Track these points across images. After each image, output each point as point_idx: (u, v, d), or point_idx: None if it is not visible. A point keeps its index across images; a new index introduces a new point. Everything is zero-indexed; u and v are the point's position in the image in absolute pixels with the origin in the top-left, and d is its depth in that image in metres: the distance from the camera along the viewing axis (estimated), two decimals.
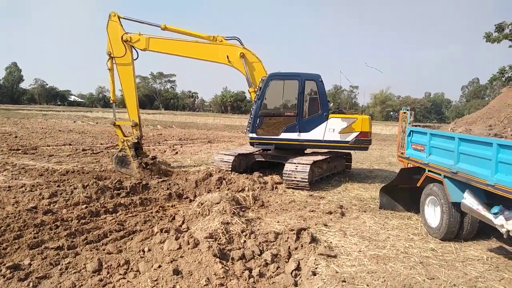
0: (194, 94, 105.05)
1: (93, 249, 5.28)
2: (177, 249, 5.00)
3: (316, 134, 10.14)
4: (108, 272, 4.59)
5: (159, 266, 4.61)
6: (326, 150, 11.10)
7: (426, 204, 6.42)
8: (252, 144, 10.54)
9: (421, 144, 6.67)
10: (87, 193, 7.62)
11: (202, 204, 6.66)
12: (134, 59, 10.72)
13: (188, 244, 5.01)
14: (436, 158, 6.16)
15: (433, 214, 6.20)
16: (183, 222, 6.27)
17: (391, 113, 77.41)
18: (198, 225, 5.84)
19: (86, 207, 6.94)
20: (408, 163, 7.23)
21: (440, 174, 5.95)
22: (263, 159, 11.11)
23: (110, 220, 6.50)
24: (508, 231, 4.61)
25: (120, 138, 10.96)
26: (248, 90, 11.24)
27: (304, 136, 10.16)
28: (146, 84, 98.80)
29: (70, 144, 16.90)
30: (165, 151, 16.01)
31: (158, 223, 6.35)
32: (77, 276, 4.45)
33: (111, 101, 11.37)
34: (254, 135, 10.24)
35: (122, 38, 10.42)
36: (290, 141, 10.22)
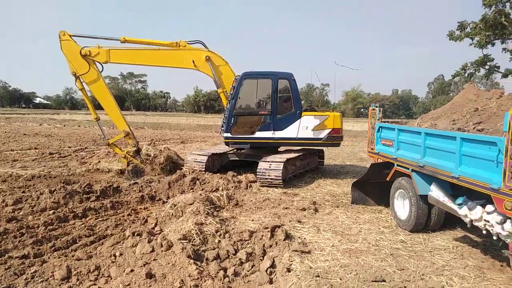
0: (166, 94, 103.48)
1: (61, 256, 5.09)
2: (150, 252, 4.90)
3: (290, 132, 10.26)
4: (77, 279, 4.45)
5: (132, 270, 4.51)
6: (299, 148, 11.24)
7: (395, 197, 6.61)
8: (227, 143, 10.50)
9: (390, 139, 6.86)
10: (54, 198, 7.34)
11: (175, 205, 6.57)
12: (100, 72, 10.54)
13: (162, 246, 4.93)
14: (404, 152, 6.35)
15: (402, 207, 6.39)
16: (156, 225, 6.16)
17: (362, 109, 79.22)
18: (171, 227, 5.75)
19: (54, 213, 6.68)
20: (378, 158, 7.42)
21: (408, 168, 6.14)
22: (237, 158, 11.10)
23: (79, 225, 6.29)
24: (471, 221, 4.81)
25: (120, 154, 10.91)
26: (218, 91, 11.20)
27: (278, 134, 10.25)
28: (116, 85, 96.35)
29: (36, 148, 16.23)
30: None
31: (130, 227, 6.20)
32: (44, 285, 4.29)
33: (94, 119, 11.15)
34: (229, 134, 10.20)
35: (81, 53, 10.17)
36: (265, 140, 10.28)
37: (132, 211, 7.34)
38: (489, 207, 4.51)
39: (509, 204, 4.02)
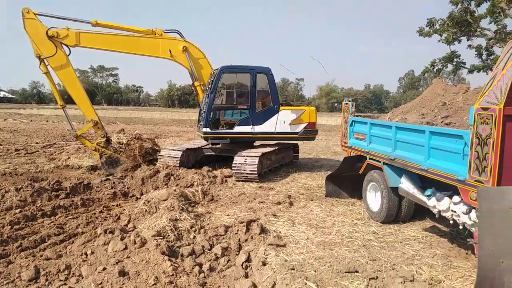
0: (139, 88, 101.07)
1: (29, 256, 4.91)
2: (123, 249, 4.81)
3: (268, 126, 10.34)
4: (46, 279, 4.30)
5: (104, 269, 4.40)
6: (274, 142, 11.29)
7: (367, 190, 6.76)
8: (206, 139, 10.32)
9: (362, 133, 6.99)
10: (21, 196, 7.05)
11: (149, 201, 6.47)
12: (67, 55, 9.85)
13: (135, 243, 4.84)
14: (376, 146, 6.49)
15: (374, 199, 6.55)
16: (129, 221, 6.04)
17: (336, 104, 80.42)
18: (145, 223, 5.65)
19: (21, 211, 6.42)
20: (351, 152, 7.55)
21: (379, 161, 6.29)
22: (212, 153, 11.02)
23: (48, 224, 6.08)
24: (439, 211, 5.00)
25: (90, 147, 10.32)
26: (194, 85, 11.04)
27: (257, 129, 10.29)
28: (86, 79, 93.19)
29: (0, 144, 15.51)
30: None
31: (102, 224, 6.05)
32: (10, 287, 4.11)
33: (60, 106, 10.48)
34: (207, 129, 10.04)
35: (47, 34, 9.42)
36: (244, 134, 10.27)
37: (104, 208, 7.16)
38: (456, 198, 4.70)
39: (474, 194, 4.19)
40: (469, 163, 4.23)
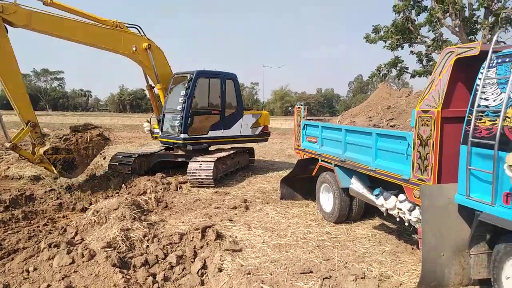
0: (87, 93, 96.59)
1: None
2: (70, 263, 4.54)
3: (235, 130, 10.84)
4: None
5: (48, 286, 4.13)
6: (229, 146, 11.29)
7: (320, 191, 6.94)
8: (184, 145, 10.02)
9: (314, 136, 7.18)
10: None
11: (98, 211, 6.17)
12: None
13: (83, 256, 4.58)
14: (327, 148, 6.69)
15: (327, 200, 6.73)
16: (76, 233, 5.72)
17: (290, 108, 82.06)
18: (94, 235, 5.38)
19: None
20: (304, 155, 7.72)
21: (331, 163, 6.49)
22: (166, 159, 10.77)
23: None
24: (387, 210, 5.25)
25: (33, 160, 8.10)
26: (151, 87, 10.71)
27: (226, 132, 10.64)
28: (28, 83, 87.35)
29: None
30: None
31: (46, 238, 5.66)
32: None
33: None
34: (186, 135, 9.78)
35: None
36: (217, 139, 10.53)
37: (49, 221, 6.70)
38: (401, 196, 4.96)
39: (417, 192, 4.45)
40: (412, 163, 4.48)
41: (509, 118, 3.37)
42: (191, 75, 9.99)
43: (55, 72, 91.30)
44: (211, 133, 10.35)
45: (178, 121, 9.80)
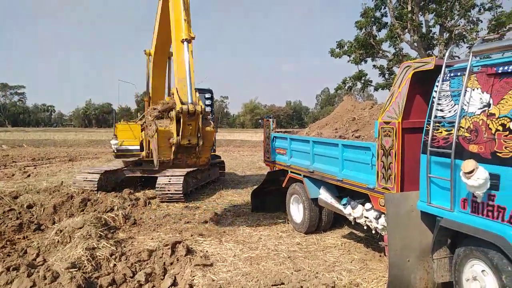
0: (50, 108, 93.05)
1: None
2: (31, 287, 4.30)
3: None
4: None
5: None
6: None
7: (291, 202, 7.02)
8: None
9: (283, 148, 7.29)
10: None
11: (61, 231, 5.92)
12: None
13: (45, 279, 4.36)
14: (296, 160, 6.80)
15: (297, 211, 6.81)
16: (37, 255, 5.42)
17: (260, 120, 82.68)
18: (57, 255, 5.15)
19: None
20: (274, 167, 7.80)
21: (300, 174, 6.59)
22: (134, 175, 10.53)
23: None
24: (354, 218, 5.38)
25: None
26: (143, 99, 10.55)
27: None
28: None
29: None
30: (13, 175, 13.66)
31: (4, 261, 5.34)
32: None
33: None
34: None
35: None
36: None
37: (8, 243, 6.32)
38: (368, 205, 5.11)
39: (382, 201, 4.60)
40: (377, 172, 4.64)
41: (463, 128, 3.59)
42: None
43: (15, 86, 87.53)
44: None
45: None
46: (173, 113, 5.54)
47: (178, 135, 5.56)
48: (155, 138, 5.79)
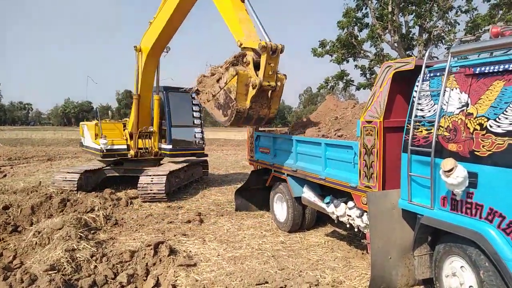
0: (27, 106, 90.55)
1: None
2: None
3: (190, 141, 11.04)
4: None
5: None
6: (182, 159, 11.09)
7: (274, 201, 7.04)
8: (172, 155, 10.45)
9: (267, 147, 7.29)
10: None
11: (39, 232, 5.76)
12: None
13: (22, 282, 4.24)
14: (279, 159, 6.82)
15: (281, 210, 6.83)
16: (14, 257, 5.26)
17: None
18: (35, 257, 5.01)
19: None
20: (258, 166, 7.80)
21: (283, 173, 6.61)
22: (115, 174, 10.35)
23: None
24: (337, 217, 5.43)
25: None
26: (132, 96, 10.22)
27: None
28: None
29: None
30: None
31: None
32: None
33: None
34: (170, 146, 10.16)
35: None
36: (190, 151, 10.76)
37: None
38: (350, 203, 5.17)
39: (364, 199, 4.66)
40: (359, 171, 4.70)
41: (442, 127, 3.67)
42: (161, 92, 10.49)
43: None
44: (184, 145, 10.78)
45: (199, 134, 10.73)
46: (249, 57, 5.64)
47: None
48: (234, 85, 5.71)
